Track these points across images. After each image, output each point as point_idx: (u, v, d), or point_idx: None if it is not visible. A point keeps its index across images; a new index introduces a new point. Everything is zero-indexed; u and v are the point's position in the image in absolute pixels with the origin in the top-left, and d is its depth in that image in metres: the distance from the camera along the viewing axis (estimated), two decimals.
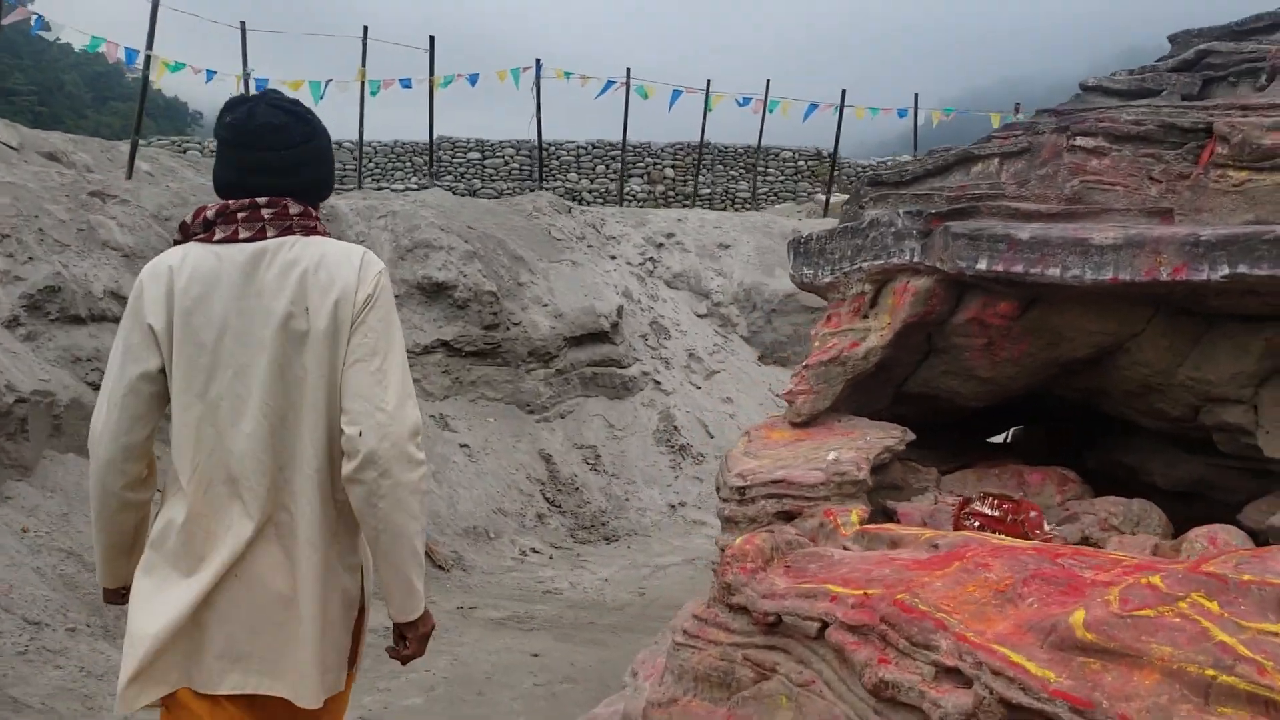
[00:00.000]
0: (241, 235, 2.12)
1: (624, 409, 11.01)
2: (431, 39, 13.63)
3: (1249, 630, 2.21)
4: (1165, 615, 2.32)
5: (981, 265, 4.12)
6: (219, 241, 2.13)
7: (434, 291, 9.95)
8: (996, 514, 3.37)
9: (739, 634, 2.91)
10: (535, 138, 16.01)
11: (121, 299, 7.82)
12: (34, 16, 10.35)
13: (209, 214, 2.16)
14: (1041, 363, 4.53)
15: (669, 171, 19.33)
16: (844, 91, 15.62)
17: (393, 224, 10.52)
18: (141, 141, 11.31)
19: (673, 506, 10.16)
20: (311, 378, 2.11)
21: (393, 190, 16.29)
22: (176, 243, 2.21)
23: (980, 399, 4.84)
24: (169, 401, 2.18)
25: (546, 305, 10.80)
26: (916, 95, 16.50)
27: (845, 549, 3.24)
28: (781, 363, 12.70)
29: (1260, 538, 3.75)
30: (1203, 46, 4.80)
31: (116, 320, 7.82)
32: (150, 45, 10.59)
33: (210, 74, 12.19)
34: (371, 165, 18.18)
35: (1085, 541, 3.80)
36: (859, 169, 19.79)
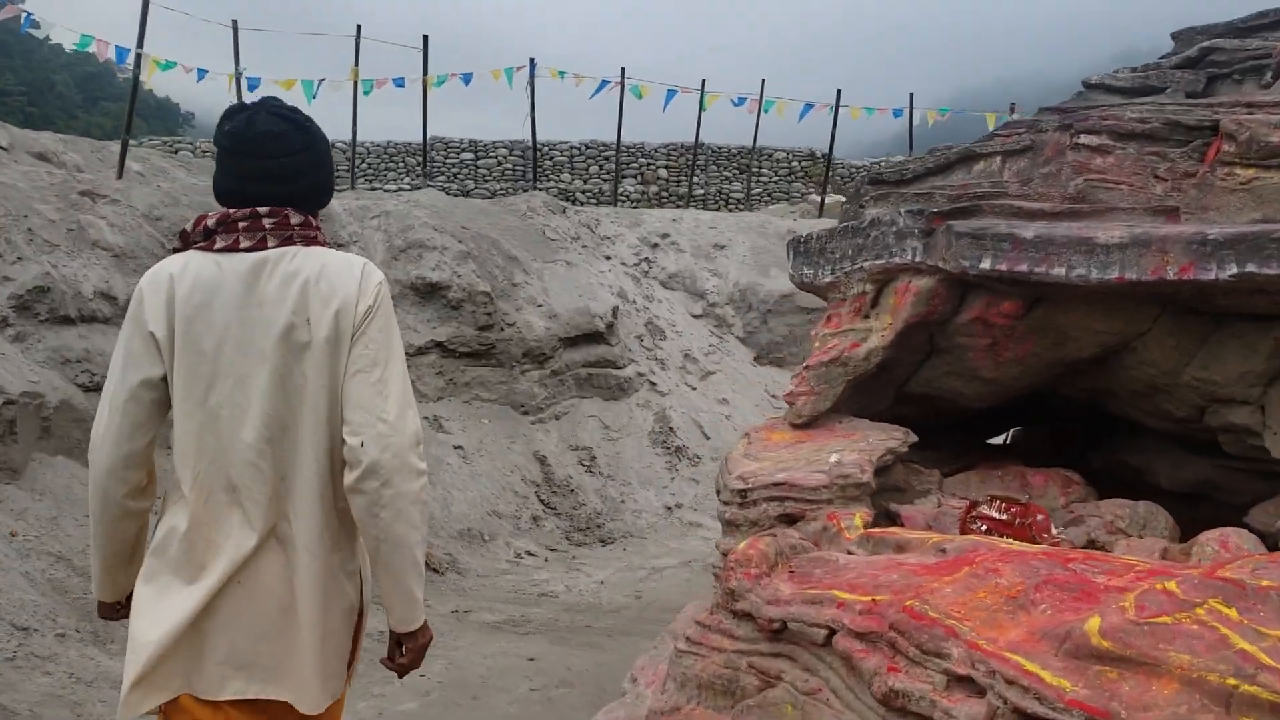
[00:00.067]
0: (243, 244, 2.12)
1: (619, 410, 10.94)
2: (425, 38, 13.55)
3: (1269, 638, 2.16)
4: (1183, 622, 2.26)
5: (985, 265, 4.06)
6: (220, 250, 2.13)
7: (428, 292, 9.87)
8: (1004, 517, 3.31)
9: (743, 641, 2.84)
10: (529, 138, 15.93)
11: (112, 299, 7.73)
12: (24, 14, 10.25)
13: (210, 222, 2.16)
14: (1046, 363, 4.48)
15: (662, 172, 19.27)
16: (839, 91, 15.58)
17: (386, 224, 10.44)
18: (133, 142, 11.23)
19: (669, 508, 10.10)
20: (312, 387, 2.11)
21: (385, 191, 16.20)
22: (176, 250, 2.21)
23: (983, 400, 4.78)
24: (170, 409, 2.18)
25: (541, 306, 10.72)
26: (912, 95, 16.47)
27: (850, 553, 3.18)
28: (778, 363, 12.64)
29: (1269, 540, 3.69)
30: (1207, 44, 4.75)
31: (106, 321, 7.79)
32: (141, 44, 10.49)
33: (202, 73, 12.09)
34: (364, 166, 18.10)
35: (1091, 545, 3.74)
36: (853, 169, 19.76)
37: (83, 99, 50.10)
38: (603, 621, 7.04)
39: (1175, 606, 2.31)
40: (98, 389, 7.37)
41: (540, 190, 15.25)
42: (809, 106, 15.46)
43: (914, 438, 4.26)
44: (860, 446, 4.03)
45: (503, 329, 10.19)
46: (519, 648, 6.35)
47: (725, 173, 19.49)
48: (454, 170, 18.96)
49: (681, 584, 8.04)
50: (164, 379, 2.15)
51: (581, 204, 16.61)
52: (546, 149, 18.39)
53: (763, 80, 15.65)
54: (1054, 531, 3.41)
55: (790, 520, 3.68)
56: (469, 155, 19.11)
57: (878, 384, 4.75)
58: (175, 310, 2.10)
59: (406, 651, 2.25)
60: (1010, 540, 3.06)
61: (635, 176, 19.11)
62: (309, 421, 2.12)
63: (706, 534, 9.71)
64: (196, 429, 2.12)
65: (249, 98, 12.24)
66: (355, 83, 13.13)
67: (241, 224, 2.13)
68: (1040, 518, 3.32)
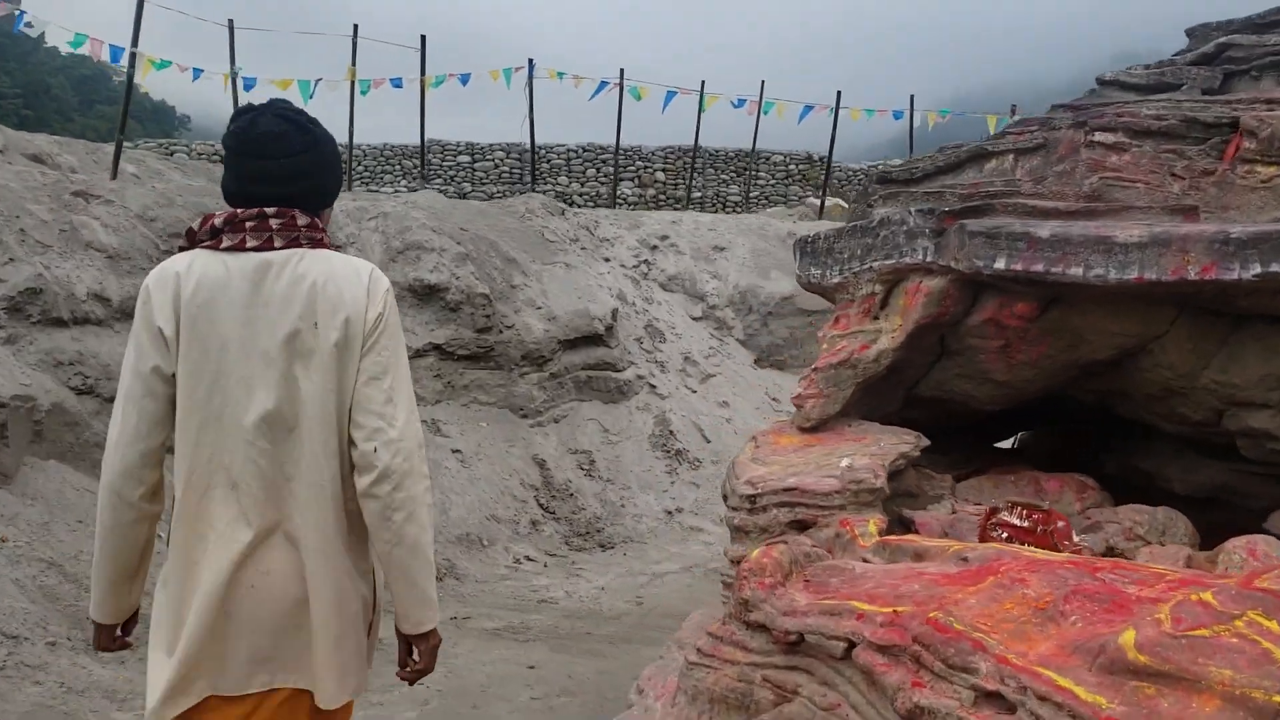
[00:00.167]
0: (249, 244, 2.13)
1: (619, 413, 10.83)
2: (423, 38, 13.45)
3: None
4: (1222, 635, 2.16)
5: (1000, 264, 3.96)
6: (226, 249, 2.14)
7: (426, 294, 9.76)
8: (1026, 524, 3.21)
9: (757, 653, 2.74)
10: (526, 140, 15.83)
11: (105, 301, 7.62)
12: (18, 12, 10.13)
13: (217, 221, 2.17)
14: (1060, 365, 4.38)
15: (660, 175, 19.20)
16: (839, 93, 15.50)
17: (383, 225, 10.33)
18: (128, 144, 11.11)
19: (669, 513, 9.99)
20: (320, 391, 2.12)
21: (383, 194, 16.10)
22: (181, 249, 2.21)
23: (995, 402, 4.68)
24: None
25: (540, 308, 10.61)
26: (912, 97, 16.39)
27: (865, 561, 3.07)
28: (778, 366, 12.54)
29: None
30: (1223, 40, 4.66)
31: (100, 323, 7.68)
32: (135, 43, 10.38)
33: (197, 72, 11.97)
34: (361, 169, 17.99)
35: (1110, 552, 3.64)
36: (850, 172, 19.71)
37: (78, 102, 50.03)
38: (604, 628, 6.93)
39: (1213, 618, 2.21)
40: (91, 392, 7.30)
41: (537, 193, 15.15)
42: (809, 108, 15.37)
43: (926, 442, 4.16)
44: (872, 451, 3.93)
45: (501, 331, 10.08)
46: (519, 655, 6.24)
47: (723, 176, 19.41)
48: (451, 173, 18.86)
49: (683, 590, 7.93)
50: (175, 375, 2.14)
51: (579, 207, 16.52)
52: (544, 152, 18.29)
53: (762, 82, 15.58)
54: (1075, 539, 3.31)
55: (801, 526, 3.58)
56: (466, 158, 19.01)
57: (887, 386, 4.66)
58: (181, 308, 2.11)
59: (420, 655, 2.27)
60: (1032, 548, 2.96)
61: (633, 180, 19.04)
62: (318, 425, 2.12)
63: (708, 538, 9.61)
64: (197, 426, 2.12)
65: (245, 98, 12.24)
66: (352, 83, 13.01)
67: (248, 224, 2.14)
68: (1061, 524, 3.22)
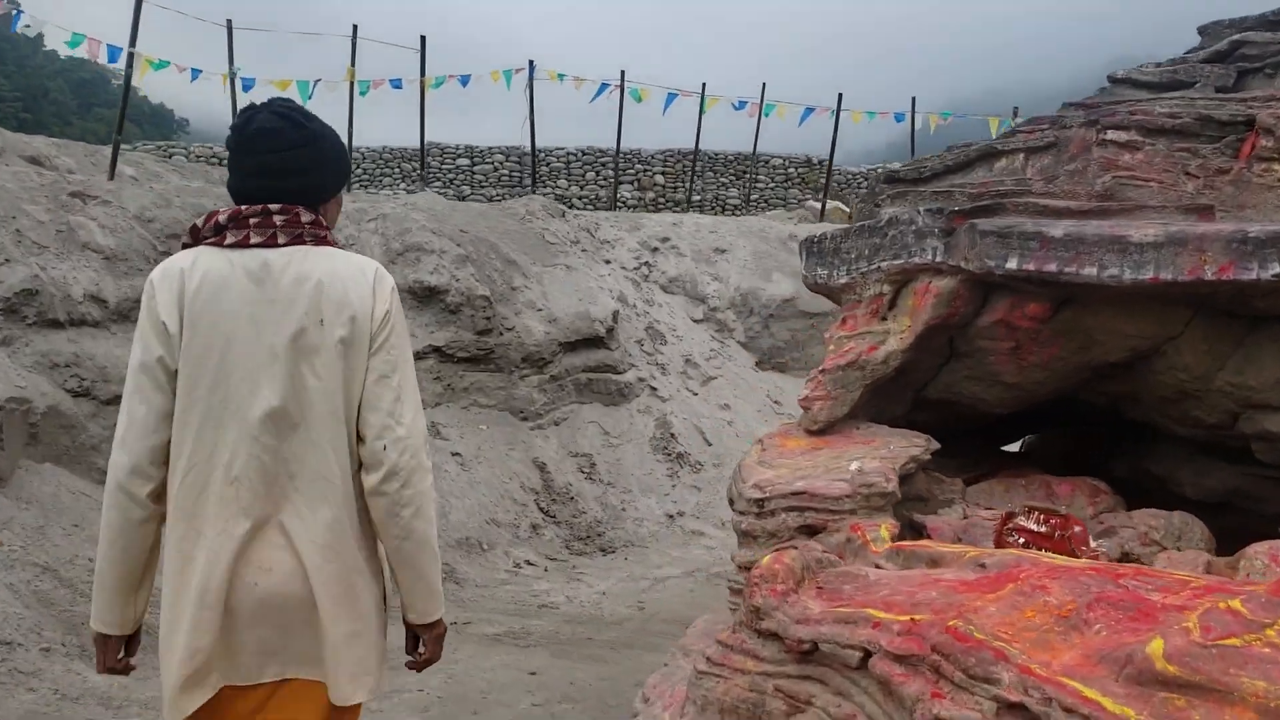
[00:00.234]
0: (253, 240, 2.14)
1: (619, 416, 10.75)
2: (423, 39, 13.38)
3: None
4: (1253, 645, 2.09)
5: (1012, 264, 3.89)
6: (230, 246, 2.15)
7: (426, 296, 9.69)
8: (1043, 529, 3.13)
9: (769, 662, 2.66)
10: (525, 143, 15.77)
11: (102, 302, 7.54)
12: (14, 10, 10.05)
13: (221, 218, 2.18)
14: (1072, 367, 4.31)
15: (659, 178, 19.18)
16: (840, 95, 15.43)
17: (383, 227, 10.26)
18: (127, 147, 11.03)
19: (670, 516, 9.91)
20: (326, 389, 2.13)
21: (381, 195, 16.03)
22: (185, 246, 2.22)
23: (1005, 405, 4.61)
24: None
25: (540, 310, 10.54)
26: (914, 99, 16.33)
27: (879, 567, 3.00)
28: (780, 369, 12.47)
29: None
30: (1236, 37, 4.59)
31: (96, 325, 7.60)
32: (134, 43, 10.30)
33: (195, 73, 11.89)
34: (360, 171, 17.94)
35: (1125, 557, 3.57)
36: (849, 176, 19.69)
37: (77, 105, 50.06)
38: (605, 634, 6.85)
39: (1243, 627, 2.14)
40: (87, 394, 7.22)
41: (537, 196, 15.08)
42: (810, 110, 15.31)
43: (936, 445, 4.09)
44: (882, 454, 3.86)
45: (501, 333, 10.01)
46: (520, 661, 6.16)
47: (722, 179, 19.40)
48: (450, 176, 18.82)
49: (685, 595, 7.85)
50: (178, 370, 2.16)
51: (579, 210, 16.46)
52: (543, 155, 18.25)
53: (763, 84, 15.52)
54: (1092, 544, 3.24)
55: (811, 531, 3.50)
56: (465, 161, 18.99)
57: (895, 388, 4.59)
58: (185, 304, 2.11)
59: (427, 644, 2.33)
60: (1049, 554, 2.89)
61: (632, 183, 19.01)
62: (325, 422, 2.13)
63: (709, 543, 9.53)
64: (198, 421, 2.11)
65: (243, 98, 12.18)
66: (351, 84, 12.94)
67: (252, 220, 2.15)
68: (1078, 529, 3.15)
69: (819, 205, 16.77)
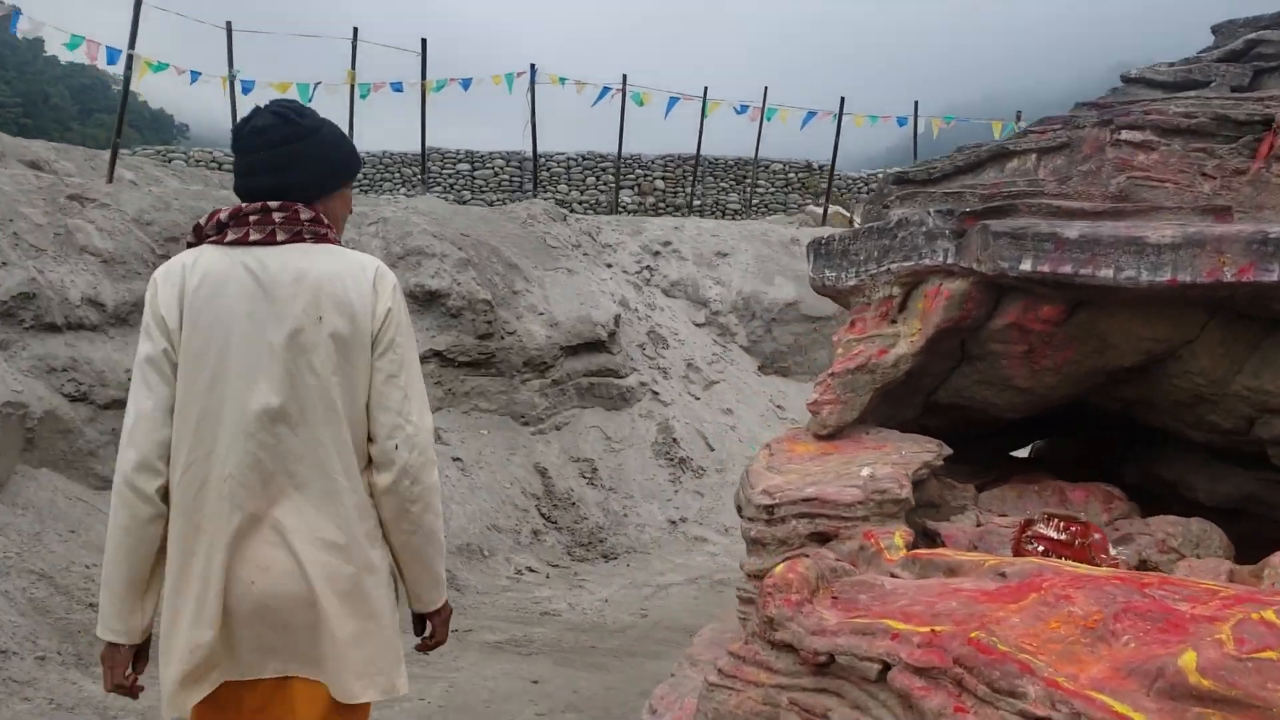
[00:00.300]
0: (252, 237, 2.15)
1: (621, 420, 10.67)
2: (423, 41, 13.33)
3: None
4: None
5: (1026, 266, 3.81)
6: (230, 243, 2.16)
7: (427, 300, 9.61)
8: (1063, 537, 3.06)
9: (783, 674, 2.58)
10: (525, 148, 15.70)
11: (99, 306, 7.46)
12: (13, 11, 9.98)
13: (223, 216, 2.20)
14: (1085, 371, 4.23)
15: (659, 183, 19.16)
16: (843, 99, 15.37)
17: (384, 231, 10.18)
18: (127, 151, 10.95)
19: (673, 522, 9.83)
20: (325, 386, 2.12)
21: (382, 199, 15.96)
22: (190, 244, 2.24)
23: (1016, 410, 4.53)
24: None
25: (542, 314, 10.46)
26: (916, 103, 16.28)
27: (894, 576, 2.92)
28: (782, 373, 12.39)
29: None
30: (1252, 36, 4.52)
31: (94, 328, 7.51)
32: (133, 44, 10.23)
33: (195, 75, 11.83)
34: (360, 176, 17.82)
35: (1143, 565, 3.49)
36: (849, 181, 19.65)
37: (77, 111, 50.05)
38: (608, 642, 6.77)
39: (1279, 639, 2.06)
40: (84, 399, 7.13)
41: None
42: (811, 114, 15.25)
43: (949, 450, 4.01)
44: (893, 459, 3.78)
45: (503, 337, 9.93)
46: (522, 669, 6.08)
47: (722, 184, 19.38)
48: (450, 181, 18.78)
49: (689, 602, 7.77)
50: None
51: (580, 215, 16.40)
52: (543, 160, 18.21)
53: (765, 88, 15.47)
54: (1111, 552, 3.16)
55: (822, 539, 3.43)
56: (465, 166, 18.95)
57: (905, 393, 4.51)
58: (185, 300, 2.12)
59: (436, 627, 2.38)
60: (1071, 562, 2.81)
61: (632, 188, 18.98)
62: (326, 419, 2.12)
63: (712, 549, 9.45)
64: (197, 417, 2.11)
65: (243, 101, 12.12)
66: (352, 86, 12.88)
67: (252, 218, 2.16)
68: (1097, 537, 3.07)
69: (819, 210, 16.71)
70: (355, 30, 13.04)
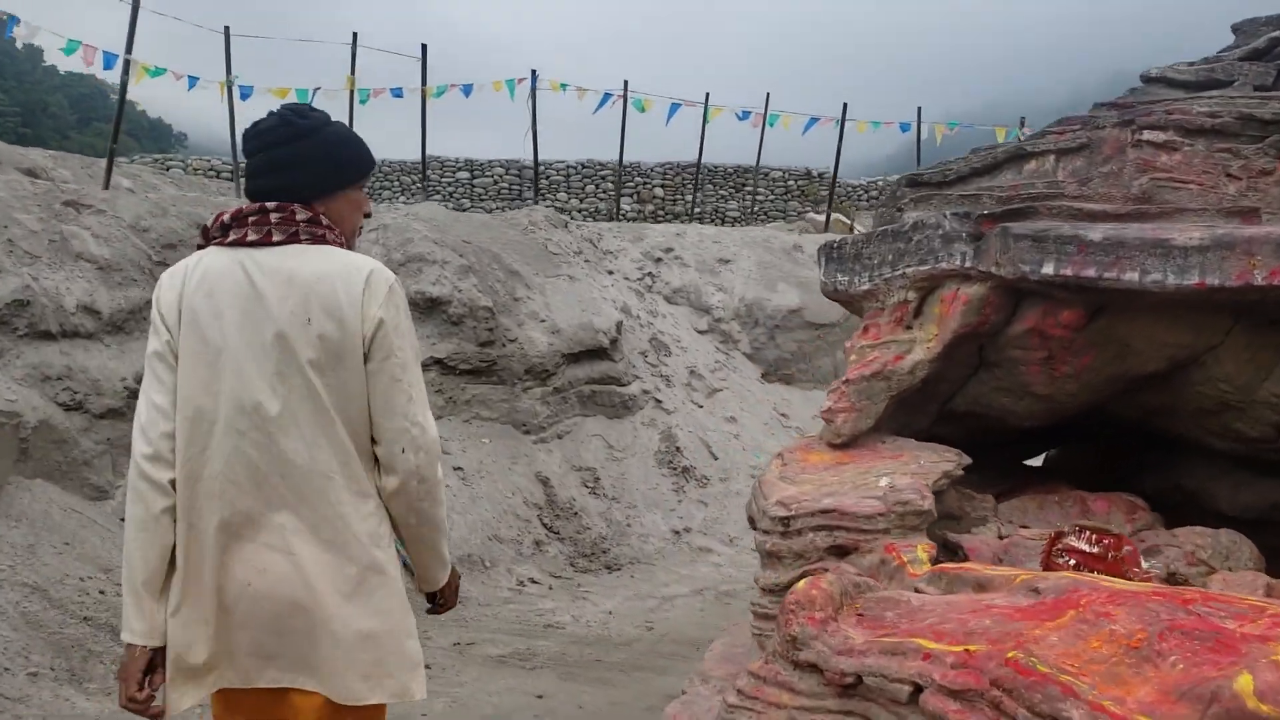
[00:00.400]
0: (250, 238, 2.17)
1: (623, 429, 10.55)
2: (424, 47, 13.22)
3: None
4: None
5: (1048, 269, 3.70)
6: (230, 244, 2.19)
7: (427, 307, 9.49)
8: (1095, 550, 2.94)
9: (806, 696, 2.46)
10: (524, 156, 15.59)
11: (95, 314, 7.35)
12: (7, 17, 9.87)
13: (225, 217, 2.22)
14: (1106, 378, 4.12)
15: (659, 191, 19.09)
16: (845, 105, 15.28)
17: (384, 237, 10.07)
18: (124, 160, 10.83)
19: (677, 532, 9.69)
20: (316, 387, 2.12)
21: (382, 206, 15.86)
22: (199, 246, 2.27)
23: (1035, 418, 4.42)
24: None
25: (544, 321, 10.35)
26: (920, 109, 16.18)
27: (918, 591, 2.80)
28: (786, 380, 12.27)
29: None
30: (1276, 34, 4.42)
31: (90, 336, 7.39)
32: (130, 49, 10.13)
33: (193, 80, 11.71)
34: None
35: (1172, 579, 3.37)
36: (849, 188, 19.57)
37: (76, 120, 49.99)
38: (613, 655, 6.64)
39: None
40: (79, 408, 7.01)
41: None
42: (814, 120, 15.15)
43: (968, 460, 3.89)
44: (912, 469, 3.66)
45: (504, 345, 9.81)
46: (526, 684, 5.95)
47: (721, 191, 19.30)
48: (450, 189, 18.71)
49: (694, 614, 7.64)
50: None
51: (581, 222, 16.30)
52: (543, 168, 18.13)
53: (767, 94, 15.37)
54: (1143, 565, 3.04)
55: (841, 552, 3.31)
56: (465, 174, 18.88)
57: (920, 400, 4.39)
58: (183, 298, 2.16)
59: (445, 596, 2.43)
60: (1106, 577, 2.69)
61: (631, 195, 18.90)
62: (320, 421, 2.12)
63: (717, 560, 9.33)
64: (192, 416, 2.13)
65: (241, 106, 12.00)
66: (351, 92, 12.77)
67: (250, 218, 2.18)
68: (1129, 549, 2.96)
69: (819, 217, 16.63)
70: (355, 35, 12.94)
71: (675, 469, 10.40)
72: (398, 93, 13.21)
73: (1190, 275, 3.47)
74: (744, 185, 19.11)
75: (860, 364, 4.26)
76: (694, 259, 13.11)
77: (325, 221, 2.22)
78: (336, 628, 2.10)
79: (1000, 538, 3.57)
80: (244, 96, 11.90)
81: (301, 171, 2.22)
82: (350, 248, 2.28)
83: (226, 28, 11.89)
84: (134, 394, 7.19)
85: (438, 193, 18.10)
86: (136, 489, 2.12)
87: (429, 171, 17.35)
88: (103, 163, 11.16)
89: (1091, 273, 3.61)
